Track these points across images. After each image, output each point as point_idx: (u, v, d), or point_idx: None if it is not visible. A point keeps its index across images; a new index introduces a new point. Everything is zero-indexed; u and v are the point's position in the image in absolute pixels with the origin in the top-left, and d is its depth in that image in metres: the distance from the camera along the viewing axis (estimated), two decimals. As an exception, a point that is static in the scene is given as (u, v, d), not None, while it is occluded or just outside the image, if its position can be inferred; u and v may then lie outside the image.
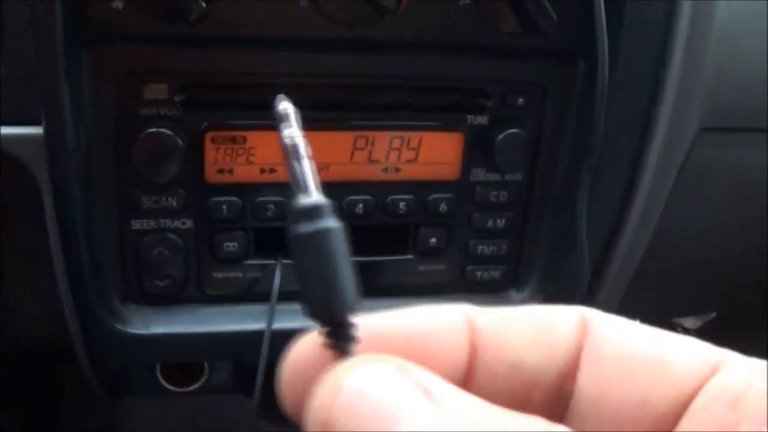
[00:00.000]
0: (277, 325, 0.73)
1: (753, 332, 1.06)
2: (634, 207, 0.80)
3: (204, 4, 0.63)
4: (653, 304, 0.98)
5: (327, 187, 0.69)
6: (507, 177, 0.77)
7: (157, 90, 0.68)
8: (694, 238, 0.78)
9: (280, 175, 0.72)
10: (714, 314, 1.09)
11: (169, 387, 0.80)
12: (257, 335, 0.73)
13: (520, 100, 0.75)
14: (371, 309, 0.72)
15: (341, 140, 0.73)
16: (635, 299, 0.85)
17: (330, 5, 0.67)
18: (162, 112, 0.68)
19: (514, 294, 0.81)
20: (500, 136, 0.74)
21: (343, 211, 0.73)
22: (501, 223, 0.79)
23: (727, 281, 1.00)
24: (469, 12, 0.70)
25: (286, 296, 0.74)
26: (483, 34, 0.71)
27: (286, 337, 0.71)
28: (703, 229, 0.89)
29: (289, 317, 0.74)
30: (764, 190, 0.87)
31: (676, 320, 1.08)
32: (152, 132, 0.67)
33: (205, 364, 0.79)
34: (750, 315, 1.12)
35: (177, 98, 0.68)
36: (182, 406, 0.90)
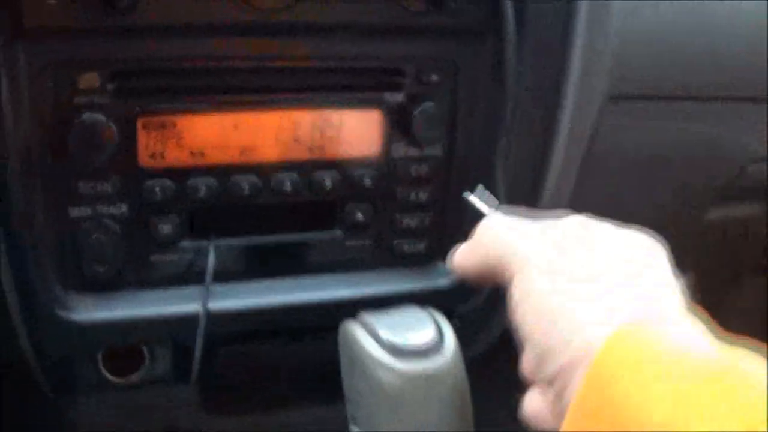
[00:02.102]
0: (213, 305, 0.76)
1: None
2: (548, 178, 0.84)
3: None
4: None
5: (256, 168, 0.73)
6: (426, 151, 0.81)
7: (89, 79, 0.71)
8: (603, 210, 0.82)
9: (210, 158, 0.76)
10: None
11: (111, 378, 0.82)
12: (195, 317, 0.76)
13: (434, 77, 0.79)
14: (301, 287, 0.76)
15: (266, 121, 0.76)
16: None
17: None
18: (95, 101, 0.71)
19: (440, 266, 0.84)
20: (417, 111, 0.78)
21: (272, 190, 0.76)
22: (423, 196, 0.82)
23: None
24: None
25: (220, 276, 0.77)
26: (393, 14, 0.75)
27: (222, 318, 0.76)
28: (612, 201, 0.92)
29: (224, 297, 0.78)
30: (670, 162, 0.92)
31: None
32: (86, 119, 0.70)
33: (145, 350, 0.81)
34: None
35: (109, 86, 0.70)
36: (124, 402, 0.91)
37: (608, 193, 0.93)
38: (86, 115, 0.70)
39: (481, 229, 0.61)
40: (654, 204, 0.97)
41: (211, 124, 0.74)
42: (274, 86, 0.76)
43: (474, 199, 0.66)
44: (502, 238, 0.58)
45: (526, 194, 0.83)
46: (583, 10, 0.79)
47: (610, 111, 0.86)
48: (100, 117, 0.70)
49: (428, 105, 0.78)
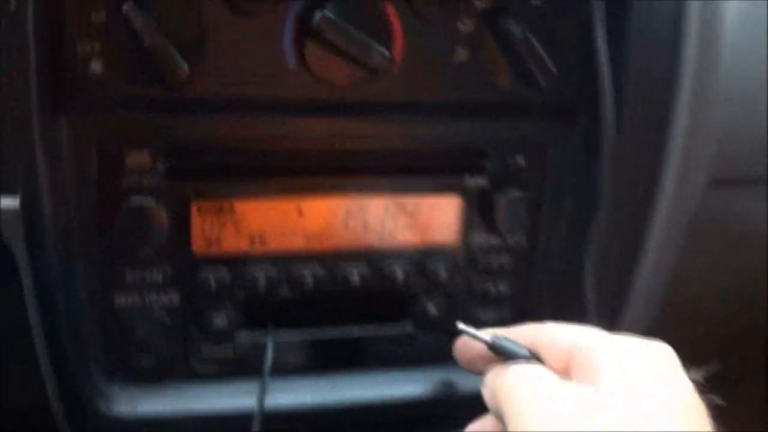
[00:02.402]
0: (270, 401, 0.69)
1: (755, 385, 1.04)
2: (642, 272, 0.76)
3: (186, 67, 0.60)
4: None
5: (321, 256, 0.67)
6: (508, 241, 0.74)
7: (139, 158, 0.65)
8: (701, 291, 0.74)
9: (271, 246, 0.69)
10: (717, 366, 1.06)
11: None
12: (250, 414, 0.69)
13: (520, 160, 0.72)
14: (366, 384, 0.69)
15: (334, 206, 0.70)
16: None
17: (319, 65, 0.63)
18: (144, 182, 0.65)
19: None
20: (500, 198, 0.71)
21: (337, 280, 0.69)
22: (503, 289, 0.75)
23: (730, 334, 0.96)
24: (463, 69, 0.67)
25: (277, 371, 0.70)
26: (479, 92, 0.68)
27: (280, 416, 0.69)
28: (710, 281, 0.85)
29: (281, 393, 0.71)
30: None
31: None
32: (134, 203, 0.65)
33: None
34: (751, 368, 1.08)
35: (160, 166, 0.65)
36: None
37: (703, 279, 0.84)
38: (135, 198, 0.65)
39: (501, 381, 0.54)
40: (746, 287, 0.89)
41: (273, 209, 0.68)
42: (344, 169, 0.70)
43: (472, 330, 0.60)
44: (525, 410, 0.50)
45: (616, 290, 0.75)
46: (687, 90, 0.70)
47: (712, 195, 0.78)
48: (150, 201, 0.65)
49: (513, 191, 0.71)
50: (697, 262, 0.83)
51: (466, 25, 0.67)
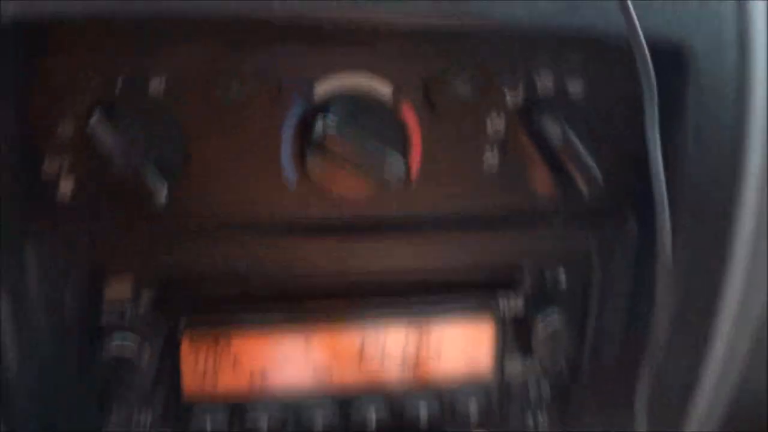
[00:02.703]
0: None
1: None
2: (701, 393, 0.68)
3: (165, 190, 0.51)
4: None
5: (332, 394, 0.58)
6: (547, 369, 0.66)
7: (119, 289, 0.58)
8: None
9: (274, 384, 0.61)
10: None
11: None
12: None
13: (561, 275, 0.64)
14: None
15: (348, 336, 0.62)
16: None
17: (323, 179, 0.56)
18: (126, 315, 0.58)
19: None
20: (538, 320, 0.63)
21: (351, 422, 0.62)
22: (543, 424, 0.67)
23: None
24: (493, 175, 0.60)
25: None
26: (511, 200, 0.61)
27: None
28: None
29: None
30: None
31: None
32: (116, 348, 0.58)
33: None
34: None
35: (144, 297, 0.58)
36: None
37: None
38: (116, 341, 0.58)
39: None
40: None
41: (275, 341, 0.61)
42: (357, 293, 0.62)
43: None
44: None
45: (671, 419, 0.67)
46: (750, 194, 0.62)
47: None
48: (133, 338, 0.58)
49: (552, 312, 0.63)
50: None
51: (495, 125, 0.59)
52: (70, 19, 0.50)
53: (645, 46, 0.53)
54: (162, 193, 0.53)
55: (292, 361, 0.61)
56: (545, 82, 0.59)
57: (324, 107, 0.55)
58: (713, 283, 0.64)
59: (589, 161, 0.58)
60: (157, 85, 0.54)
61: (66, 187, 0.55)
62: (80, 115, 0.53)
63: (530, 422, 0.66)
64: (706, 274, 0.64)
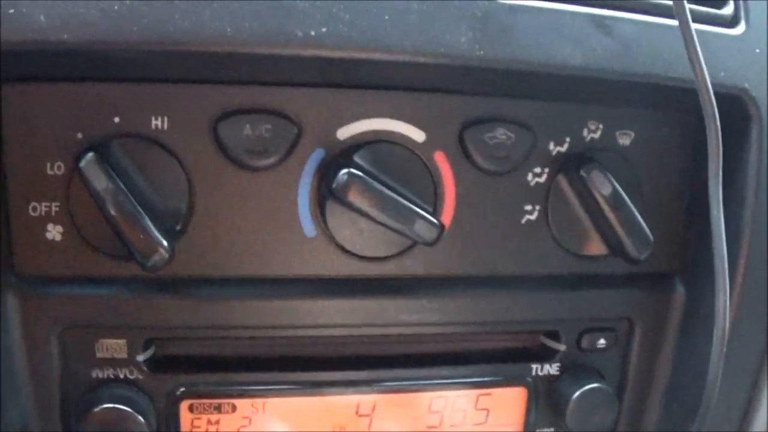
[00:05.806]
0: None
1: None
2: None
3: (164, 244, 0.46)
4: None
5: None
6: None
7: (113, 347, 0.53)
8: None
9: None
10: None
11: None
12: None
13: (601, 341, 0.59)
14: None
15: (361, 404, 0.57)
16: None
17: (344, 234, 0.51)
18: (121, 376, 0.53)
19: None
20: (574, 392, 0.58)
21: None
22: None
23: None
24: (531, 232, 0.55)
25: None
26: (554, 260, 0.56)
27: None
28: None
29: None
30: None
31: None
32: (108, 410, 0.52)
33: None
34: None
35: (140, 357, 0.53)
36: None
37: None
38: (107, 404, 0.51)
39: None
40: None
41: (283, 406, 0.56)
42: (378, 359, 0.57)
43: None
44: None
45: None
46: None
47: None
48: (126, 401, 0.52)
49: (590, 382, 0.58)
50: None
51: (537, 177, 0.54)
52: (60, 47, 0.44)
53: (712, 95, 0.47)
54: (160, 249, 0.47)
55: (301, 428, 0.56)
56: (594, 134, 0.53)
57: (347, 153, 0.50)
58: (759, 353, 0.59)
59: (641, 223, 0.53)
60: (158, 124, 0.49)
61: (54, 231, 0.50)
62: (71, 150, 0.48)
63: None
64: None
